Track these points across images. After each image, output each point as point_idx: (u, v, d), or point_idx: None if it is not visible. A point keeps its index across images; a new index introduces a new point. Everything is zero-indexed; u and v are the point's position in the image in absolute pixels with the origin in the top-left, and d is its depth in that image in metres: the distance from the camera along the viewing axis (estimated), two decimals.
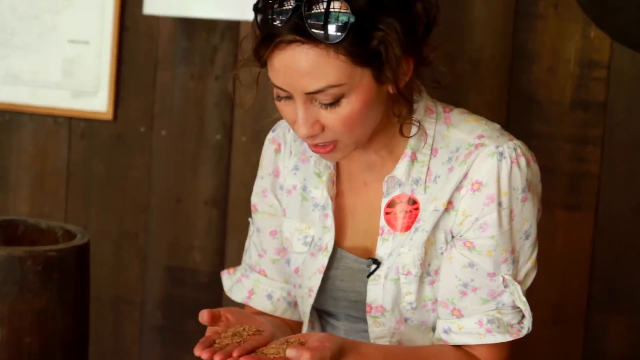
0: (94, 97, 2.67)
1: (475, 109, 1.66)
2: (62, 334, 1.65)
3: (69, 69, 2.69)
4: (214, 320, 1.50)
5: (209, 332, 1.49)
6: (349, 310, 1.64)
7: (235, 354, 1.40)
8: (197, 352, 1.41)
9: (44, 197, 2.78)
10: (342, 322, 1.66)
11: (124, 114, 2.70)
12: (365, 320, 1.61)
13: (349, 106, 1.46)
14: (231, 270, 1.80)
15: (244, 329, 1.49)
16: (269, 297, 1.74)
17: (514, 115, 2.40)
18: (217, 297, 2.61)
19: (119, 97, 2.69)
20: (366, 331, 1.61)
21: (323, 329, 1.70)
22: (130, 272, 2.76)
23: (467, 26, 2.41)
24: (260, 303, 1.74)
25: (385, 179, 1.57)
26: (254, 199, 1.75)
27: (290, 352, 1.37)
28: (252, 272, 1.75)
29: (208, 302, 2.61)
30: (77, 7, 2.67)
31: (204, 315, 1.49)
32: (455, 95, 2.33)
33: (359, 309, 1.61)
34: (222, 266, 2.62)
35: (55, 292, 1.65)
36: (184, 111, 2.65)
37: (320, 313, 1.70)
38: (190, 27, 2.61)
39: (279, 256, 1.72)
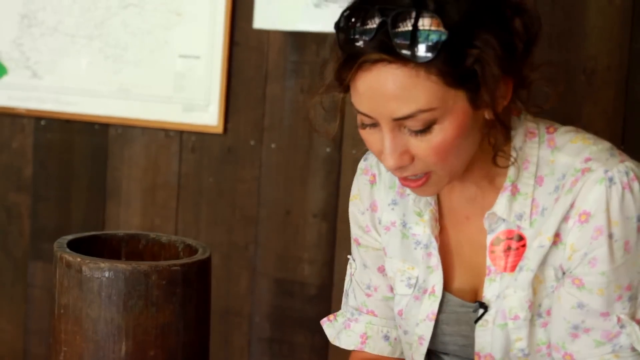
0: (204, 111, 2.70)
1: (589, 120, 1.60)
2: (184, 348, 1.66)
3: (180, 84, 2.72)
4: None
5: None
6: (458, 353, 1.54)
7: None
8: None
9: (155, 210, 2.82)
10: (450, 358, 1.56)
11: (234, 127, 2.72)
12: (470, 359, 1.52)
13: (441, 133, 1.32)
14: (331, 317, 1.67)
15: None
16: (386, 338, 1.61)
17: (630, 126, 2.35)
18: (325, 309, 2.61)
19: (229, 111, 2.71)
20: None
21: None
22: (240, 284, 2.78)
23: (581, 36, 2.37)
24: (377, 346, 1.61)
25: (486, 215, 1.44)
26: (356, 232, 1.62)
27: None
28: (360, 314, 1.62)
29: (317, 314, 2.62)
30: (188, 23, 2.71)
31: None
32: (569, 107, 2.29)
33: (468, 353, 1.52)
34: (331, 279, 2.62)
35: (179, 306, 1.66)
36: (293, 124, 2.66)
37: (429, 352, 1.59)
38: (299, 40, 2.62)
39: (391, 293, 1.60)
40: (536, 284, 1.44)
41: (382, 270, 1.59)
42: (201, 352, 1.72)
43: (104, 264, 1.63)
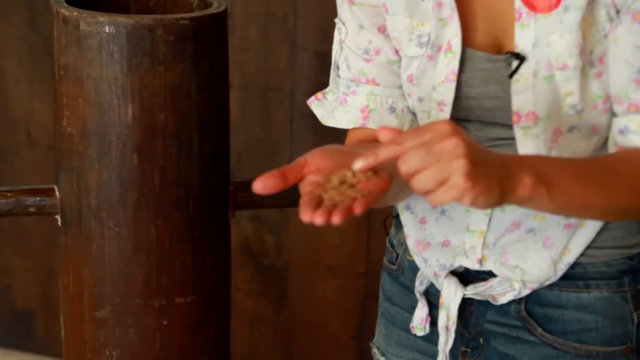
0: None
1: None
2: (198, 112, 1.50)
3: None
4: (291, 178, 1.09)
5: (307, 187, 1.08)
6: (485, 118, 1.31)
7: (357, 210, 1.03)
8: (305, 217, 1.03)
9: None
10: (472, 125, 1.32)
11: None
12: (501, 125, 1.29)
13: None
14: (319, 95, 1.45)
15: (352, 174, 1.07)
16: (392, 110, 1.36)
17: None
18: None
19: None
20: (500, 139, 1.29)
21: None
22: (279, 58, 2.62)
23: None
24: (382, 120, 1.35)
25: None
26: None
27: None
28: (358, 85, 1.37)
29: None
30: None
31: (266, 182, 1.07)
32: None
33: (497, 117, 1.29)
34: None
35: (190, 65, 1.49)
36: None
37: None
38: None
39: (396, 56, 1.35)
40: (585, 26, 1.22)
41: (382, 30, 1.35)
42: (219, 116, 1.56)
43: (103, 18, 1.46)
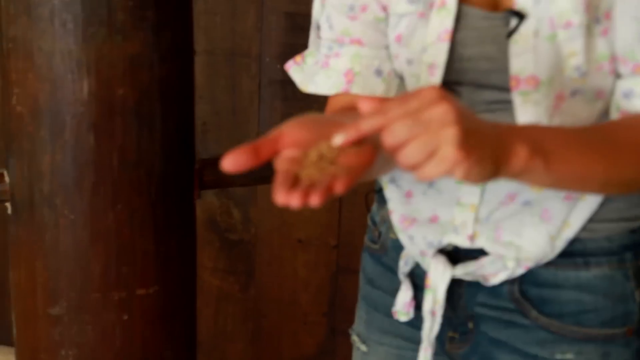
0: None
1: None
2: (160, 84, 1.37)
3: None
4: (264, 154, 0.94)
5: (282, 163, 0.94)
6: (479, 80, 1.19)
7: (339, 189, 0.90)
8: (280, 198, 0.89)
9: None
10: (465, 88, 1.20)
11: None
12: (498, 88, 1.17)
13: None
14: (298, 58, 1.31)
15: (331, 148, 0.94)
16: (378, 73, 1.24)
17: None
18: None
19: None
20: (496, 102, 1.18)
21: None
22: (246, 21, 2.48)
23: None
24: (367, 84, 1.23)
25: None
26: None
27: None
28: (341, 46, 1.25)
29: None
30: None
31: (236, 159, 0.92)
32: None
33: (492, 80, 1.17)
34: None
35: (151, 34, 1.34)
36: None
37: None
38: None
39: (383, 13, 1.22)
40: None
41: None
42: (183, 89, 1.42)
43: None
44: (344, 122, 0.95)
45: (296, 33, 2.44)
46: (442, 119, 0.90)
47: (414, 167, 0.91)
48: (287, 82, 2.47)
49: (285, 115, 2.54)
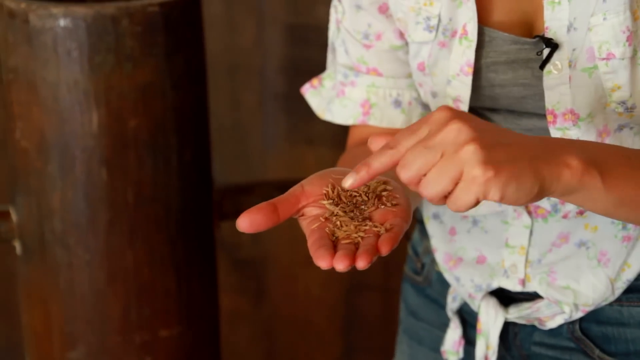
0: None
1: None
2: (175, 113, 1.29)
3: None
4: (284, 213, 0.88)
5: (311, 223, 0.88)
6: (514, 107, 1.10)
7: (384, 250, 0.84)
8: (323, 263, 0.83)
9: None
10: (500, 116, 1.11)
11: None
12: (532, 115, 1.08)
13: None
14: (315, 81, 1.23)
15: (365, 201, 0.90)
16: (397, 104, 1.16)
17: None
18: None
19: None
20: (534, 130, 1.08)
21: None
22: (246, 34, 2.40)
23: None
24: (385, 116, 1.16)
25: None
26: None
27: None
28: (357, 75, 1.16)
29: None
30: None
31: (252, 219, 0.86)
32: None
33: (529, 107, 1.07)
34: None
35: (162, 60, 1.27)
36: None
37: (471, 110, 1.14)
38: None
39: (401, 41, 1.14)
40: (635, 5, 0.99)
41: (384, 10, 1.13)
42: (198, 117, 1.35)
43: (57, 10, 1.23)
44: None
45: (298, 45, 2.37)
46: (456, 139, 0.81)
47: (441, 199, 0.82)
48: (290, 96, 2.40)
49: (289, 129, 2.48)
